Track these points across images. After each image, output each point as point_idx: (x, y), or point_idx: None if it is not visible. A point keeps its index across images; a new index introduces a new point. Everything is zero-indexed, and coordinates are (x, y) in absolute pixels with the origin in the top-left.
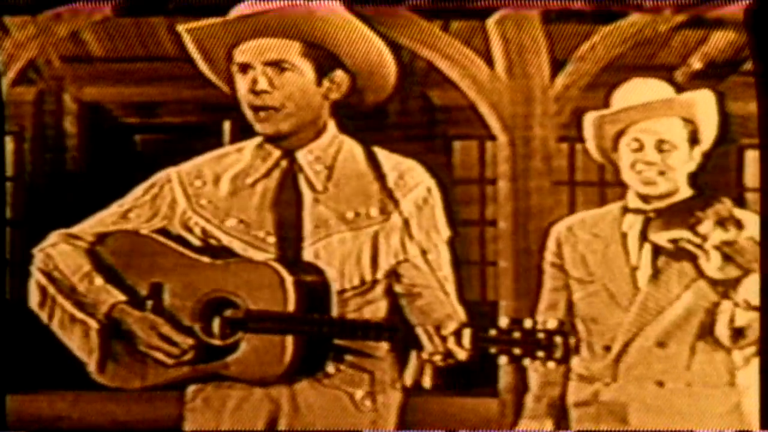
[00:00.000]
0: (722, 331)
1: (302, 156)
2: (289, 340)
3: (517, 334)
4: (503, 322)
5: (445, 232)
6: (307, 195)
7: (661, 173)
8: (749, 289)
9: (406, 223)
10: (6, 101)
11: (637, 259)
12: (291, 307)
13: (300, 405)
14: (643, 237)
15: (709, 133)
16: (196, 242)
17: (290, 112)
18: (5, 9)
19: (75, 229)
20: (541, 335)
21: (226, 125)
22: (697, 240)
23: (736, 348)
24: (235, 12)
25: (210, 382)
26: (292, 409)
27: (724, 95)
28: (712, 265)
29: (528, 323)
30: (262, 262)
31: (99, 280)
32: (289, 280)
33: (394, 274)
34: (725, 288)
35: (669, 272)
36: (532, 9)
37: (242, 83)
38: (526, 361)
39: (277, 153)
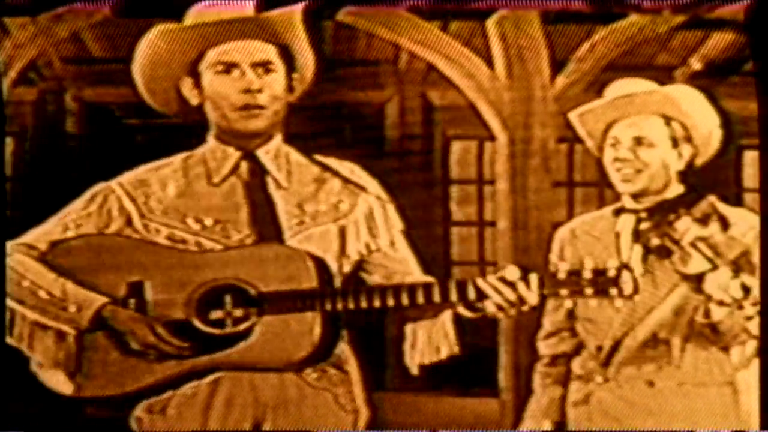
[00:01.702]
0: (704, 328)
1: (262, 155)
2: (316, 319)
3: (587, 274)
4: (562, 269)
5: (399, 225)
6: (276, 192)
7: (638, 171)
8: (716, 283)
9: (371, 212)
10: (7, 102)
11: (627, 259)
12: (314, 282)
13: (288, 406)
14: (635, 237)
15: (703, 133)
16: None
17: (275, 111)
18: (5, 10)
19: (28, 238)
20: (612, 272)
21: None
22: (676, 236)
23: (719, 346)
24: (192, 13)
25: (212, 374)
26: (280, 410)
27: (716, 95)
28: (687, 261)
29: (589, 265)
30: (272, 243)
31: (71, 285)
32: (305, 254)
33: (363, 266)
34: (696, 283)
35: (657, 271)
36: (531, 9)
37: (224, 82)
38: (593, 302)
39: (236, 153)
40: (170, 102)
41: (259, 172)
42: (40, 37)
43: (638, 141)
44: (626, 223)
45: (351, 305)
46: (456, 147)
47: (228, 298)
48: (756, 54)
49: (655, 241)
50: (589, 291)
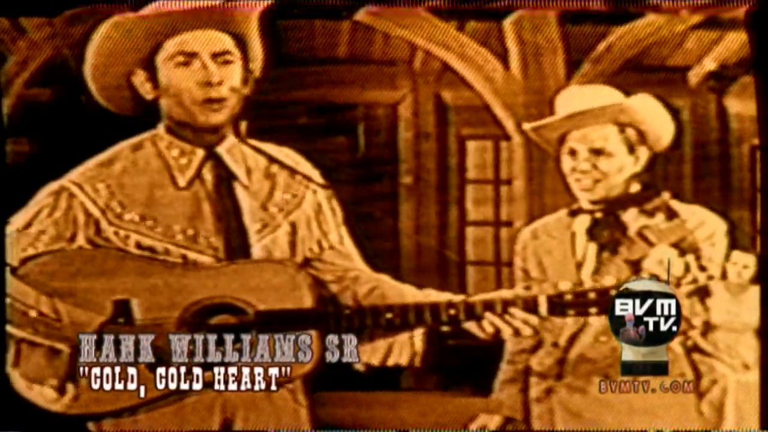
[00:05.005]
0: None
1: (224, 155)
2: (315, 336)
3: (592, 295)
4: (564, 286)
5: (342, 216)
6: (241, 193)
7: (597, 181)
8: (654, 260)
9: (319, 206)
10: (22, 102)
11: (582, 256)
12: (308, 302)
13: (254, 407)
14: (590, 235)
15: (656, 132)
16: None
17: (233, 104)
18: (22, 10)
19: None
20: (614, 292)
21: (242, 126)
22: (623, 227)
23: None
24: (154, 6)
25: (205, 389)
26: (245, 412)
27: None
28: (633, 249)
29: (588, 284)
30: (264, 261)
31: (59, 303)
32: (300, 275)
33: (312, 264)
34: (637, 268)
35: (609, 266)
36: (548, 10)
37: (185, 75)
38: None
39: (200, 153)
40: (122, 97)
41: (224, 175)
42: (57, 38)
43: (596, 152)
44: (582, 223)
45: (356, 324)
46: (471, 147)
47: (225, 317)
48: (756, 54)
49: (605, 236)
50: (593, 310)
